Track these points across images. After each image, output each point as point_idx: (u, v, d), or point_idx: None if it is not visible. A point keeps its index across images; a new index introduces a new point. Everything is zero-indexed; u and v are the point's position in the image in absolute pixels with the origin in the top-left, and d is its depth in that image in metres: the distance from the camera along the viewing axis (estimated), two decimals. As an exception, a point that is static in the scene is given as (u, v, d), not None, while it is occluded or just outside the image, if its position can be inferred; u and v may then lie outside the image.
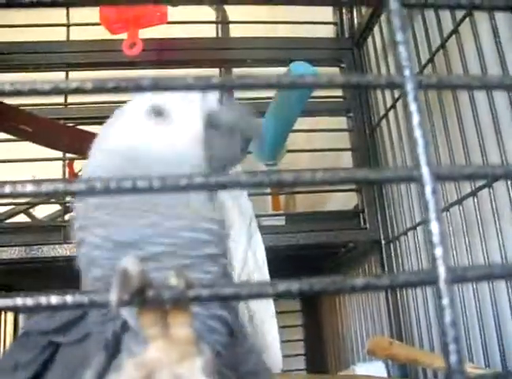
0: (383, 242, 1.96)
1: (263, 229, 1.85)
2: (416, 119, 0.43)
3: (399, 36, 0.45)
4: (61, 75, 2.07)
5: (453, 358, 0.39)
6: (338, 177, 0.41)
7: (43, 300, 0.38)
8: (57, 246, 1.84)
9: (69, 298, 0.38)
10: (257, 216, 1.87)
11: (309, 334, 2.68)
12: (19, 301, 0.38)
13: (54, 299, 0.38)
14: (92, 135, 1.59)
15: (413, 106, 0.43)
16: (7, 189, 0.39)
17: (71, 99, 2.08)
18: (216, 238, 0.82)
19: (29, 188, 0.39)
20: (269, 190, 2.13)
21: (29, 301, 0.38)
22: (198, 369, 0.45)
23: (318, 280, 0.39)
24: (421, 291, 1.71)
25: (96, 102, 2.06)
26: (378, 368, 1.74)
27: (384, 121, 2.01)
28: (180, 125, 0.86)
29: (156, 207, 0.78)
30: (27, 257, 1.82)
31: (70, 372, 0.71)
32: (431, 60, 1.65)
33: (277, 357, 1.79)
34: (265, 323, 1.78)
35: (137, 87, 0.42)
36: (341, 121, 2.20)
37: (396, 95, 1.90)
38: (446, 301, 0.40)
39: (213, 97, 0.89)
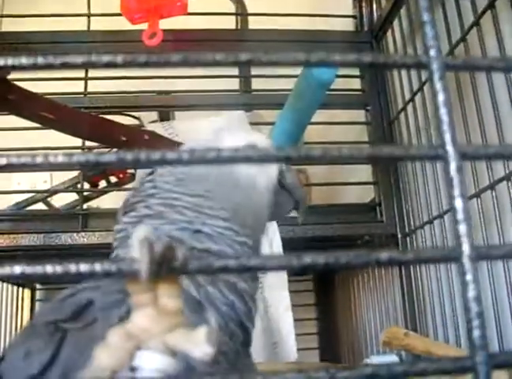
0: (400, 235, 1.96)
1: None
2: (441, 97, 0.43)
3: (425, 16, 0.45)
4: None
5: (476, 333, 0.39)
6: (364, 153, 0.42)
7: (72, 268, 0.39)
8: (74, 234, 1.86)
9: (97, 267, 0.39)
10: (274, 207, 1.87)
11: (323, 327, 2.68)
12: (49, 268, 0.39)
13: (83, 267, 0.39)
14: (114, 124, 1.61)
15: (439, 85, 0.44)
16: (39, 160, 0.40)
17: (91, 88, 2.09)
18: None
19: (61, 159, 0.40)
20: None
21: (59, 268, 0.39)
22: (202, 338, 0.45)
23: (343, 253, 0.40)
24: (436, 283, 1.71)
25: (115, 91, 2.08)
26: (391, 360, 1.74)
27: (402, 115, 2.01)
28: (265, 168, 0.98)
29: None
30: (45, 244, 1.84)
31: (79, 353, 0.72)
32: (451, 53, 1.64)
33: (292, 349, 1.80)
34: (281, 315, 1.79)
35: (167, 62, 0.43)
36: (356, 115, 2.20)
37: (414, 89, 1.90)
38: (469, 277, 0.40)
39: None
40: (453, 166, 0.42)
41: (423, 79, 1.80)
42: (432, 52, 0.45)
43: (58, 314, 0.78)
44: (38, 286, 2.56)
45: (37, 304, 2.54)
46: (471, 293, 0.40)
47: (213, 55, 0.43)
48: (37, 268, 0.39)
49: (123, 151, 0.40)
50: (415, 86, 1.90)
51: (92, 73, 2.10)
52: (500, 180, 1.40)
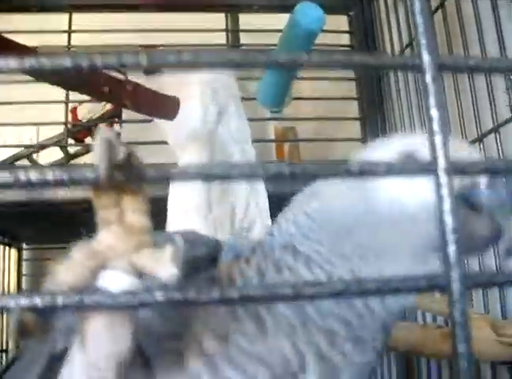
0: (387, 189, 1.94)
1: (266, 176, 1.83)
2: (418, 6, 0.41)
3: None
4: (64, 17, 2.04)
5: (451, 249, 0.37)
6: (335, 59, 0.39)
7: (21, 176, 0.37)
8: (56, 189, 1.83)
9: (49, 175, 0.37)
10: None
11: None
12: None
13: (33, 175, 0.37)
14: (97, 74, 1.57)
15: (416, -6, 0.41)
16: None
17: (74, 41, 2.05)
18: None
19: (12, 64, 0.38)
20: (273, 137, 2.11)
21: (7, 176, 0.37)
22: (167, 258, 0.43)
23: (310, 164, 0.38)
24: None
25: (99, 45, 2.03)
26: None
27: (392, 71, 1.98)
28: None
29: None
30: (26, 199, 1.81)
31: None
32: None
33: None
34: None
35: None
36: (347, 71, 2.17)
37: (405, 44, 1.87)
38: (445, 191, 0.38)
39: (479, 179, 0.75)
40: (428, 76, 0.39)
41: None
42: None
43: None
44: (25, 246, 2.54)
45: (24, 264, 2.53)
46: (446, 206, 0.38)
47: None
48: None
49: (79, 58, 0.38)
50: (405, 41, 1.87)
51: (75, 25, 2.05)
52: (489, 132, 1.38)
